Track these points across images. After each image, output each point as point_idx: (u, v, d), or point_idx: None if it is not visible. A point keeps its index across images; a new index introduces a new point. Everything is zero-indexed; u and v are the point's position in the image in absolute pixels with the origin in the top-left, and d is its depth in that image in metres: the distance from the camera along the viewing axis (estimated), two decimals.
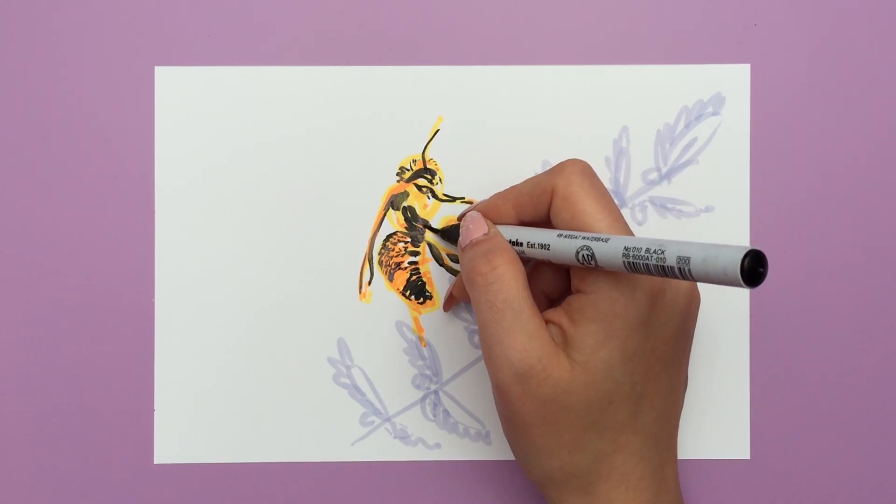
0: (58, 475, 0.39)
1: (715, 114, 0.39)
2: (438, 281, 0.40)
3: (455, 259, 0.40)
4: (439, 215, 0.40)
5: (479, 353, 0.40)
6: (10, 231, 0.39)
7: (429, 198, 0.40)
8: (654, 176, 0.39)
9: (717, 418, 0.39)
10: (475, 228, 0.35)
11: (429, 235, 0.39)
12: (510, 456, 0.40)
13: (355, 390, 0.39)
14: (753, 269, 0.26)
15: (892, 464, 0.40)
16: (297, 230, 0.39)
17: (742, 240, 0.39)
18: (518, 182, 0.37)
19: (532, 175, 0.39)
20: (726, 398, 0.40)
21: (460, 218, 0.38)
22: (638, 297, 0.32)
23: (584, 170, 0.34)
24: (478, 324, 0.33)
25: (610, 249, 0.30)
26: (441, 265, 0.40)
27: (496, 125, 0.39)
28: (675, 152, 0.39)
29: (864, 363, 0.40)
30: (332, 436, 0.39)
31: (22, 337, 0.39)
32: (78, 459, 0.39)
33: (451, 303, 0.39)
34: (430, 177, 0.39)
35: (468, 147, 0.39)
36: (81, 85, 0.39)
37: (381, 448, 0.39)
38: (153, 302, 0.39)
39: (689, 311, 0.34)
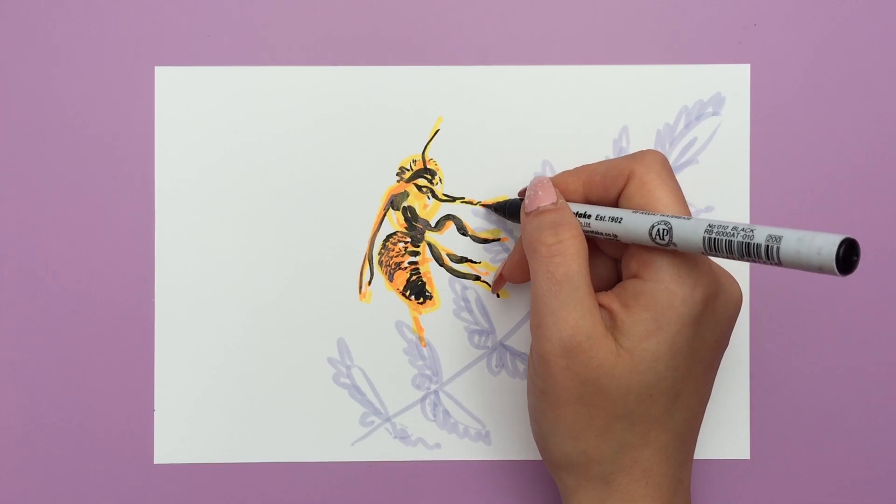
0: (58, 475, 0.39)
1: (715, 114, 0.39)
2: (438, 281, 0.40)
3: (455, 259, 0.39)
4: (439, 215, 0.40)
5: (479, 353, 0.40)
6: (11, 231, 0.39)
7: (429, 198, 0.40)
8: None
9: (717, 418, 0.39)
10: (544, 196, 0.34)
11: (429, 235, 0.39)
12: (510, 456, 0.40)
13: (355, 390, 0.39)
14: (848, 255, 0.26)
15: (892, 464, 0.40)
16: (297, 230, 0.39)
17: None
18: (517, 181, 0.36)
19: (532, 175, 0.39)
20: (726, 398, 0.40)
21: (520, 194, 0.38)
22: (696, 296, 0.31)
23: (664, 162, 0.33)
24: (533, 292, 0.33)
25: (690, 226, 0.29)
26: (441, 265, 0.40)
27: (496, 125, 0.39)
28: (675, 152, 0.39)
29: (864, 363, 0.40)
30: (332, 436, 0.39)
31: (22, 337, 0.39)
32: (78, 459, 0.39)
33: (500, 283, 0.39)
34: (430, 177, 0.39)
35: (468, 147, 0.39)
36: (81, 85, 0.39)
37: (381, 448, 0.39)
38: (153, 302, 0.39)
39: (734, 318, 0.34)
